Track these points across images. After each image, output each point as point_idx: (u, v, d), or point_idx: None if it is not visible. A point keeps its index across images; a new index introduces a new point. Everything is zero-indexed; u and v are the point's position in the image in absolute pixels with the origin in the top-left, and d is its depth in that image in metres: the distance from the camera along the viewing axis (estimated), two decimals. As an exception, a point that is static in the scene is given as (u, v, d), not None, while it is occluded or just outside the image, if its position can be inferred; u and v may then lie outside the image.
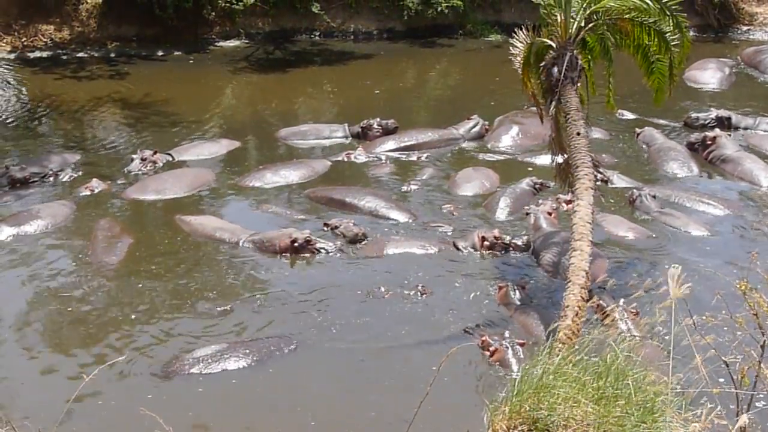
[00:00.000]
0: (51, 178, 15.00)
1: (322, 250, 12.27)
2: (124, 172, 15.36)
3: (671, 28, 10.60)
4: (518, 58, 11.08)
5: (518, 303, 10.81)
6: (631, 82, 15.32)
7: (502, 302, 10.88)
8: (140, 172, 15.26)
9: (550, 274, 11.71)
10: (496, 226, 12.96)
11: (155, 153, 15.75)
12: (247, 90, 21.75)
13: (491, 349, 9.65)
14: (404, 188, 14.77)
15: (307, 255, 12.24)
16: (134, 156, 15.70)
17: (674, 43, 10.67)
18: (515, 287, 10.97)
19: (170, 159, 15.93)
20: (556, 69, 10.38)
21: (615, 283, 9.82)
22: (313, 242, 12.28)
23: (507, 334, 9.85)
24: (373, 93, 21.16)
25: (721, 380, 7.02)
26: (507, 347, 9.59)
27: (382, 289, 11.24)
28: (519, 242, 12.34)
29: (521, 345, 9.64)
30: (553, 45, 10.52)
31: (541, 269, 11.90)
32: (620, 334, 8.14)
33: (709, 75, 21.27)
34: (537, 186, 14.47)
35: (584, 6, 10.37)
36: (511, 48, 11.26)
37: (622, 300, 10.00)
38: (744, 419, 5.70)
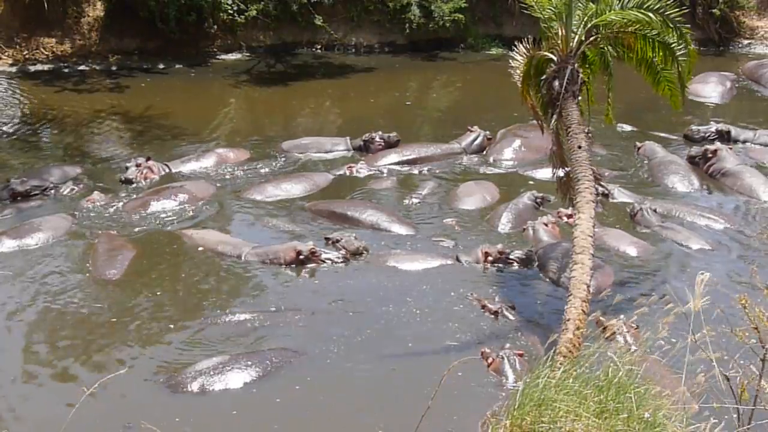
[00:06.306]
0: (52, 191, 14.99)
1: (327, 261, 12.26)
2: (120, 179, 15.41)
3: (675, 39, 10.60)
4: (518, 71, 11.09)
5: (513, 319, 10.82)
6: (631, 95, 15.35)
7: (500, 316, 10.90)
8: (136, 179, 15.33)
9: (556, 283, 11.70)
10: (498, 240, 12.94)
11: (148, 159, 15.81)
12: (248, 103, 21.77)
13: (489, 360, 9.67)
14: (406, 202, 14.76)
15: (313, 266, 12.23)
16: (128, 164, 15.76)
17: (680, 53, 10.66)
18: (506, 307, 10.96)
19: (167, 171, 15.95)
20: (557, 82, 10.38)
21: (620, 299, 9.77)
22: (318, 253, 12.26)
23: (507, 345, 9.88)
24: (372, 106, 21.19)
25: (722, 395, 6.99)
26: (503, 358, 9.60)
27: (386, 302, 11.23)
28: (523, 256, 12.30)
29: (519, 356, 9.66)
30: (554, 58, 10.53)
31: (546, 280, 11.89)
32: (621, 348, 8.12)
33: (710, 89, 21.29)
34: (538, 200, 14.46)
35: (585, 20, 10.38)
36: (510, 61, 11.28)
37: (621, 316, 9.98)
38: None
